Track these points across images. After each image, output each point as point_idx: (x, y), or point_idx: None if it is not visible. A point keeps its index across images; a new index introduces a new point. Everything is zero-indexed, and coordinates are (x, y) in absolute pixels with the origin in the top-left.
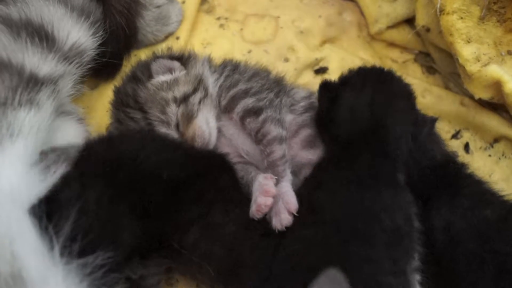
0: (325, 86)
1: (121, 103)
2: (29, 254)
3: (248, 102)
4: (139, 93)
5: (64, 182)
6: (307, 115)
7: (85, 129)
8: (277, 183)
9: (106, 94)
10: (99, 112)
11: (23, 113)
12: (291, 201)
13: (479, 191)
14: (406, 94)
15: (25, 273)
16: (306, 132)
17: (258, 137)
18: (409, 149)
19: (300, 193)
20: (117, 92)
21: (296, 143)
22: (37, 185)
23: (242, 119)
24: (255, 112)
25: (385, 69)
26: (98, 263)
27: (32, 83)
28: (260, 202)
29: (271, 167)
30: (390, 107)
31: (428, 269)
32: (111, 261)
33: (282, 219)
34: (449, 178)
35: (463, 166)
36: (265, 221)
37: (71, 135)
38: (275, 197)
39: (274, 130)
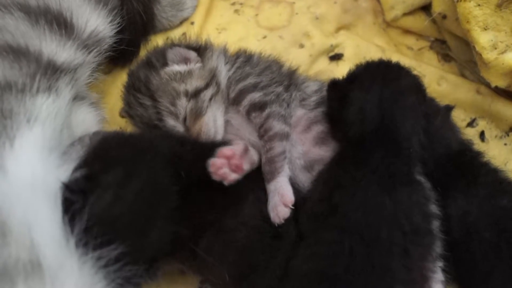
0: (333, 86)
1: (132, 87)
2: (47, 241)
3: (255, 96)
4: (152, 79)
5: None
6: (319, 111)
7: (97, 114)
8: (273, 178)
9: (120, 79)
10: (113, 96)
11: (42, 99)
12: (287, 194)
13: (495, 180)
14: (415, 87)
15: (43, 260)
16: (318, 129)
17: (260, 132)
18: (421, 143)
19: (317, 190)
20: (131, 75)
21: (308, 139)
22: (55, 171)
23: (248, 113)
24: (260, 107)
25: (393, 62)
26: (113, 256)
27: (50, 70)
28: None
29: (269, 163)
30: (399, 104)
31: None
32: (127, 256)
33: (279, 211)
34: (465, 167)
35: (479, 154)
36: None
37: (84, 120)
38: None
39: (276, 126)
